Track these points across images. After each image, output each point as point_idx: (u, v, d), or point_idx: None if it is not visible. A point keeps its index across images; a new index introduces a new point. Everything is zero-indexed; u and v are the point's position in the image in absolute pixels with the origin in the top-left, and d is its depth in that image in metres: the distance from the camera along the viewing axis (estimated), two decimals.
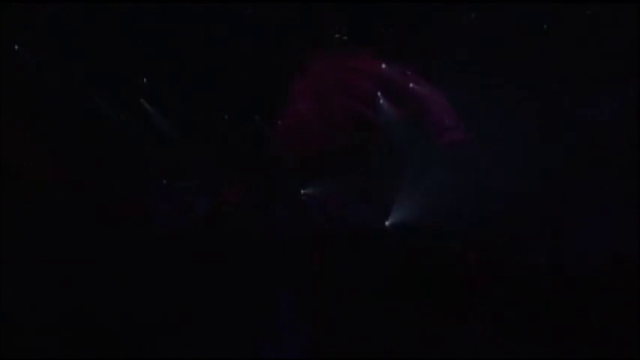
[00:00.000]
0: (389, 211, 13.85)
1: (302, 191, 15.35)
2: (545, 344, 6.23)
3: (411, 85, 13.95)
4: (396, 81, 14.00)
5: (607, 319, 6.40)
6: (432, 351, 6.47)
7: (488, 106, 12.03)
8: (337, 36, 13.09)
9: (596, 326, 6.27)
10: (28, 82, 12.22)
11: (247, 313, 7.71)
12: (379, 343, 6.92)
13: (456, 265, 8.43)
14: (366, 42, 13.01)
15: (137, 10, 11.94)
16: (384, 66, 13.79)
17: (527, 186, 11.81)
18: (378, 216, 13.70)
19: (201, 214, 13.13)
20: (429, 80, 13.56)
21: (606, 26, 10.74)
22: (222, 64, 13.46)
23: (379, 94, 14.43)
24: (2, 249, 8.01)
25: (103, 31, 12.20)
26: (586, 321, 6.46)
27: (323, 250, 10.40)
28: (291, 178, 15.11)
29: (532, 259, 9.10)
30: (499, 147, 12.05)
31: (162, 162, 14.08)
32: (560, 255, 9.24)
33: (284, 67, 13.53)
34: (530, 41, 11.71)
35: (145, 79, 14.01)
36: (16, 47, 12.10)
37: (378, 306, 7.70)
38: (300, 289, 8.47)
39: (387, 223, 13.69)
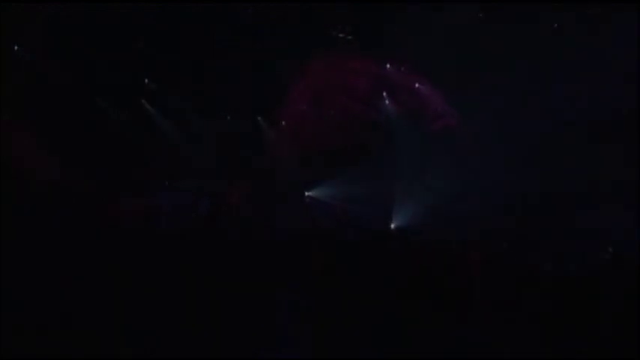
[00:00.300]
0: (392, 212, 13.89)
1: (305, 193, 15.38)
2: (545, 344, 6.25)
3: (408, 81, 14.00)
4: (394, 79, 14.01)
5: (607, 319, 6.42)
6: (433, 351, 6.48)
7: (489, 106, 12.11)
8: (341, 35, 13.09)
9: (596, 326, 6.29)
10: (28, 82, 12.23)
11: (247, 314, 7.72)
12: (381, 343, 6.93)
13: (457, 266, 8.46)
14: (370, 41, 12.99)
15: (137, 11, 11.95)
16: (381, 65, 13.80)
17: (527, 186, 11.85)
18: (381, 217, 13.73)
19: (203, 215, 13.14)
20: (429, 77, 13.58)
21: (606, 26, 10.75)
22: (224, 65, 13.47)
23: (379, 93, 14.46)
24: (3, 248, 8.02)
25: (104, 32, 12.22)
26: (586, 321, 6.49)
27: (325, 251, 10.44)
28: (292, 178, 15.13)
29: (532, 260, 9.13)
30: (499, 147, 12.11)
31: (163, 162, 14.08)
32: (561, 255, 9.26)
33: (285, 67, 13.53)
34: (532, 41, 11.73)
35: (146, 80, 14.03)
36: (15, 47, 12.11)
37: (380, 307, 7.72)
38: (301, 290, 8.49)
39: (391, 225, 13.74)
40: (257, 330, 7.39)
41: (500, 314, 7.08)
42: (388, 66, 13.81)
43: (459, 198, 12.61)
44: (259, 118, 15.32)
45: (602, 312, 6.56)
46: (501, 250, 9.79)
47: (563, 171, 11.61)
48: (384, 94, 14.53)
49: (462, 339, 6.49)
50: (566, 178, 11.55)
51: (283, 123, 15.53)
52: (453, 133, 13.32)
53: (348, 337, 7.07)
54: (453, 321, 6.88)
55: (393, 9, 11.89)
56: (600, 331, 6.15)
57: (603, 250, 8.93)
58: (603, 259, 8.53)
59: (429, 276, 8.39)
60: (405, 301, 7.71)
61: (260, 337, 7.28)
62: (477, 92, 12.25)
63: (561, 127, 11.74)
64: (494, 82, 12.00)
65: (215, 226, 12.29)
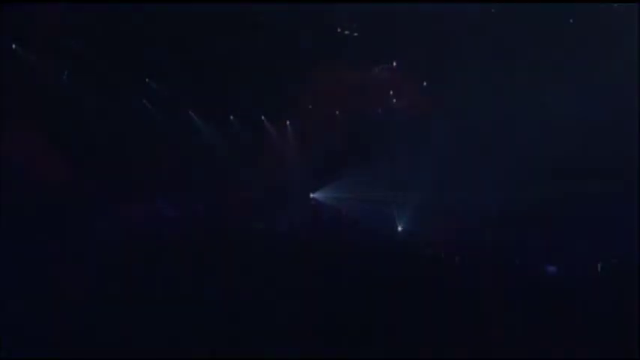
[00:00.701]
0: (399, 214, 13.98)
1: (311, 195, 15.47)
2: (546, 345, 6.37)
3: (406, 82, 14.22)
4: (400, 78, 14.12)
5: (607, 320, 6.54)
6: (434, 351, 6.61)
7: (489, 108, 12.27)
8: (347, 32, 13.20)
9: (596, 327, 6.41)
10: (34, 83, 12.39)
11: (248, 315, 7.85)
12: (382, 344, 7.05)
13: (459, 268, 8.59)
14: (376, 39, 13.09)
15: (141, 11, 12.10)
16: (387, 64, 13.92)
17: (527, 187, 11.96)
18: (386, 219, 13.81)
19: (203, 217, 13.26)
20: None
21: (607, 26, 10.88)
22: (228, 65, 13.58)
23: (385, 93, 14.59)
24: (3, 248, 8.21)
25: (107, 32, 12.39)
26: (586, 322, 6.61)
27: (329, 253, 10.58)
28: (299, 180, 15.25)
29: (534, 262, 9.25)
30: (499, 148, 12.25)
31: (166, 163, 14.09)
32: (561, 257, 9.36)
33: (292, 67, 13.64)
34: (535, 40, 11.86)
35: (147, 80, 14.10)
36: (13, 46, 12.24)
37: (382, 308, 7.84)
38: (303, 291, 8.62)
39: (399, 227, 13.82)
40: (258, 331, 7.53)
41: (501, 316, 7.20)
42: (394, 64, 13.94)
43: (460, 200, 12.78)
44: (263, 117, 15.39)
45: (602, 312, 6.68)
46: (502, 252, 9.89)
47: (563, 172, 11.72)
48: (391, 93, 14.67)
49: (462, 339, 6.63)
50: (565, 179, 11.67)
51: (288, 123, 15.66)
52: (446, 131, 13.43)
53: (349, 338, 7.20)
54: (453, 322, 7.01)
55: (397, 8, 12.03)
56: (600, 332, 6.27)
57: (604, 251, 9.07)
58: (604, 260, 8.64)
59: (432, 277, 8.54)
60: (408, 303, 7.83)
61: (261, 338, 7.41)
62: (477, 93, 12.43)
63: (561, 128, 11.85)
64: (495, 83, 12.18)
65: (216, 228, 12.42)
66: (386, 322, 7.26)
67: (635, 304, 6.56)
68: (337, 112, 15.08)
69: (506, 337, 6.64)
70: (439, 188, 13.28)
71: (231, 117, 15.23)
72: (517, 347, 6.40)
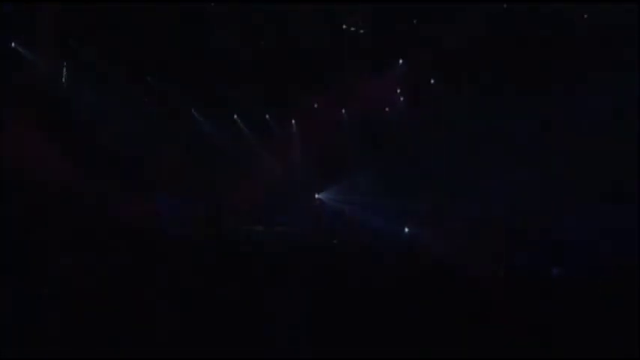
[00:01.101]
0: (402, 216, 14.08)
1: (316, 195, 15.59)
2: (547, 346, 6.43)
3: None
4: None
5: (607, 320, 6.60)
6: (433, 352, 6.68)
7: (489, 110, 12.39)
8: (352, 29, 13.31)
9: (597, 327, 6.46)
10: (38, 85, 12.58)
11: (248, 318, 7.95)
12: (382, 346, 7.14)
13: (460, 269, 8.67)
14: (389, 37, 13.21)
15: (142, 9, 12.27)
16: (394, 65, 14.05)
17: (527, 189, 12.05)
18: (393, 221, 13.91)
19: (204, 216, 13.39)
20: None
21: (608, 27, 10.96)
22: (230, 63, 13.72)
23: (393, 94, 14.71)
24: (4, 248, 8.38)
25: (111, 31, 12.57)
26: (586, 322, 6.67)
27: (333, 254, 10.67)
28: (304, 181, 15.36)
29: (535, 263, 9.32)
30: (499, 150, 12.37)
31: (166, 164, 14.23)
32: (562, 258, 9.42)
33: (295, 64, 13.76)
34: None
35: (149, 79, 14.26)
36: (12, 45, 12.43)
37: (385, 310, 7.93)
38: (305, 292, 8.71)
39: (405, 229, 13.92)
40: (259, 334, 7.62)
41: (502, 317, 7.27)
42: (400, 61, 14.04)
43: (461, 202, 12.89)
44: (267, 116, 15.50)
45: (602, 313, 6.74)
46: (502, 254, 9.96)
47: (563, 173, 11.80)
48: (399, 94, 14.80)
49: (462, 341, 6.69)
50: (565, 180, 11.74)
51: (293, 122, 15.78)
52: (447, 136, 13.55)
53: (350, 340, 7.29)
54: (453, 323, 7.07)
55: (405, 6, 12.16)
56: (601, 333, 6.32)
57: (604, 251, 9.13)
58: (604, 260, 8.70)
59: (434, 278, 8.61)
60: (411, 305, 7.91)
61: (261, 340, 7.51)
62: (478, 95, 12.55)
63: (561, 129, 11.93)
64: (495, 85, 12.29)
65: (217, 228, 12.54)
66: (388, 325, 7.33)
67: (636, 304, 6.62)
68: (343, 112, 15.20)
69: (509, 338, 6.71)
70: (443, 192, 13.43)
71: (235, 116, 15.42)
72: (519, 348, 6.47)
